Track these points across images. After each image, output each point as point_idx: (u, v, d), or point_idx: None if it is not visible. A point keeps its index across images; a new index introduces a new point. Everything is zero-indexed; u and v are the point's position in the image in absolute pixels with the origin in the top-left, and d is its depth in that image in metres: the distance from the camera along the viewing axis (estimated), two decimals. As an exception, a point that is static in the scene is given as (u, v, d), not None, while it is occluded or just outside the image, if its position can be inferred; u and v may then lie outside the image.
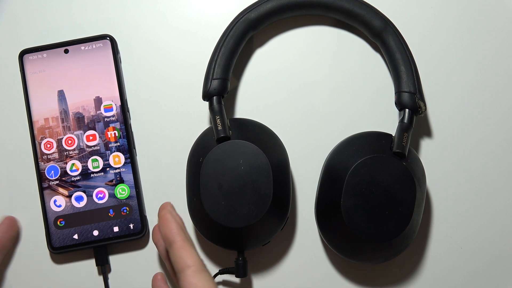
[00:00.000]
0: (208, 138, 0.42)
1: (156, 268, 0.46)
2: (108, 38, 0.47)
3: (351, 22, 0.46)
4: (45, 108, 0.46)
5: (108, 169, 0.46)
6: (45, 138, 0.46)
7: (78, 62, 0.47)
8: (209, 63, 0.44)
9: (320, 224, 0.43)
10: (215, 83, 0.43)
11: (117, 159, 0.46)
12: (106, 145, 0.46)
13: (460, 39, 0.48)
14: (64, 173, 0.46)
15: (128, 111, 0.47)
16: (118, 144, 0.46)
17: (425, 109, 0.43)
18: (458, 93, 0.47)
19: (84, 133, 0.46)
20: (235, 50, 0.44)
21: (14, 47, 0.47)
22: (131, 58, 0.48)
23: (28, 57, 0.47)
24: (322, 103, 0.47)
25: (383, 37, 0.44)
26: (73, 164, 0.46)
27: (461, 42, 0.48)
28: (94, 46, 0.47)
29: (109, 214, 0.45)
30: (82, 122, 0.46)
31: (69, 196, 0.46)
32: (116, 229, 0.45)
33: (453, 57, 0.47)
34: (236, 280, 0.46)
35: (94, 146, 0.46)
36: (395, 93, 0.43)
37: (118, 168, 0.46)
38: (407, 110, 0.42)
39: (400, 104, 0.43)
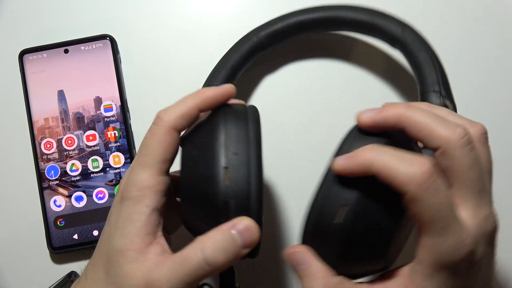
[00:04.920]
0: None
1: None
2: (108, 38, 0.47)
3: (365, 34, 0.44)
4: (45, 108, 0.46)
5: (108, 169, 0.46)
6: (45, 138, 0.46)
7: (78, 62, 0.47)
8: (211, 73, 0.44)
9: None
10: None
11: (117, 159, 0.46)
12: (106, 145, 0.46)
13: (460, 39, 0.48)
14: (64, 173, 0.46)
15: (128, 111, 0.47)
16: (118, 144, 0.46)
17: (453, 108, 0.41)
18: (458, 93, 0.47)
19: (84, 133, 0.46)
20: (239, 65, 0.44)
21: (14, 47, 0.47)
22: (131, 58, 0.48)
23: (28, 57, 0.47)
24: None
25: (402, 42, 0.42)
26: (73, 164, 0.46)
27: (461, 42, 0.48)
28: (94, 46, 0.47)
29: (109, 214, 0.45)
30: (82, 122, 0.46)
31: (69, 196, 0.46)
32: (116, 229, 0.45)
33: (453, 57, 0.47)
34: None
35: (94, 146, 0.46)
36: (419, 94, 0.42)
37: (118, 168, 0.46)
38: None
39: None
